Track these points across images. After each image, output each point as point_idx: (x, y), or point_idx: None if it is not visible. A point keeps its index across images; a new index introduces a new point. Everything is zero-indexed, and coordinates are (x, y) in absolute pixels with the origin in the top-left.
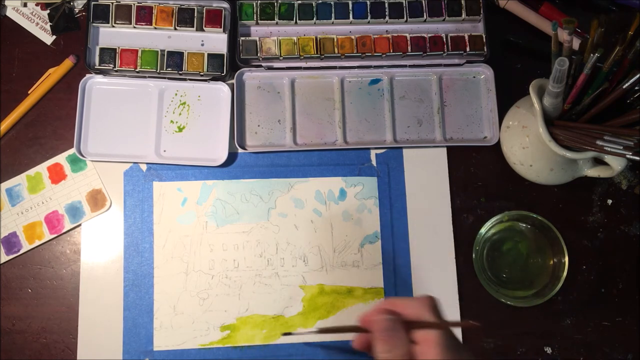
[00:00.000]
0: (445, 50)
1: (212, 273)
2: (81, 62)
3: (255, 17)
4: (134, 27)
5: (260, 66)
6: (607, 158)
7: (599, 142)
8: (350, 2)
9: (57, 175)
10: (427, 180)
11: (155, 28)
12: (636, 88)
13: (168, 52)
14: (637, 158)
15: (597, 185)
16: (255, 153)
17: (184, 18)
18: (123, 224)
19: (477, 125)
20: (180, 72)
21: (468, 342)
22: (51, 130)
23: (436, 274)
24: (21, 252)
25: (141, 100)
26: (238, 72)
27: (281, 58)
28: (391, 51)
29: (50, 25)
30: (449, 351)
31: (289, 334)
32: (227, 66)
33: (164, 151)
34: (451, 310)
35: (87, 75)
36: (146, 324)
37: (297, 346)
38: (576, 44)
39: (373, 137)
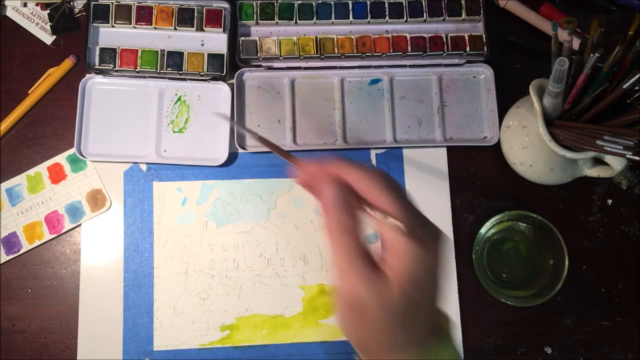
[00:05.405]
0: (445, 50)
1: (212, 273)
2: (81, 62)
3: (255, 17)
4: (134, 27)
5: (260, 66)
6: (607, 158)
7: (599, 142)
8: (350, 2)
9: (57, 175)
10: (427, 180)
11: (155, 28)
12: (636, 88)
13: (168, 52)
14: (637, 158)
15: (597, 185)
16: (255, 153)
17: (184, 18)
18: (123, 224)
19: (477, 125)
20: (180, 72)
21: (468, 342)
22: (51, 130)
23: None
24: (21, 252)
25: (141, 100)
26: (238, 72)
27: (281, 58)
28: (391, 51)
29: (50, 25)
30: (419, 265)
31: None
32: (227, 66)
33: (164, 151)
34: (451, 311)
35: (87, 75)
36: (146, 324)
37: (297, 346)
38: (576, 44)
39: (373, 137)
